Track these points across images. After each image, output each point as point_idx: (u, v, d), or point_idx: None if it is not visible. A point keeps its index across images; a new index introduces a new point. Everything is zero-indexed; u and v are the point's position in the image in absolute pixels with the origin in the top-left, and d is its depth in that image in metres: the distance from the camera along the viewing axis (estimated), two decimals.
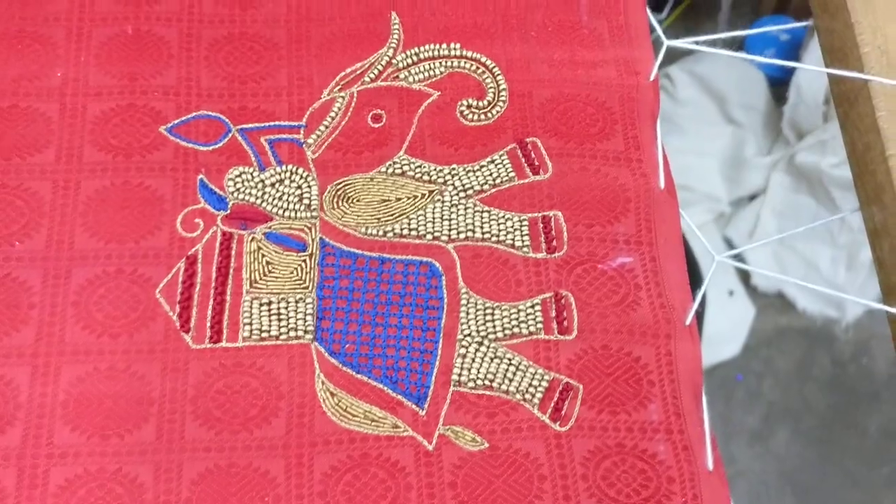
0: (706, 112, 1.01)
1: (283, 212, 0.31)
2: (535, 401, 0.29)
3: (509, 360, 0.29)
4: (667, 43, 0.34)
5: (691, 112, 1.02)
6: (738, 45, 1.06)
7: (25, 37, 0.33)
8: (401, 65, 0.33)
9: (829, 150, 0.92)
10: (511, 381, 0.29)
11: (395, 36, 0.34)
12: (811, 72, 0.93)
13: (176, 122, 0.32)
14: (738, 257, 0.94)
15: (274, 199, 0.31)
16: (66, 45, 0.33)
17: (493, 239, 0.31)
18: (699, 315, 0.75)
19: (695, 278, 0.76)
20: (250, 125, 0.32)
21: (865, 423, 0.88)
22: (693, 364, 0.30)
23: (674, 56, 1.07)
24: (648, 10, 0.35)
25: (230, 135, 0.32)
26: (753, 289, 0.96)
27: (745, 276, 0.96)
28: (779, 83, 1.03)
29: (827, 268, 0.94)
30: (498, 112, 0.33)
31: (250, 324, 0.29)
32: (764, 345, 0.93)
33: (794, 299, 0.95)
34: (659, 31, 0.34)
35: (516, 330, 0.29)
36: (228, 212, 0.31)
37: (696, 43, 0.35)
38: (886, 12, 0.33)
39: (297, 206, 0.31)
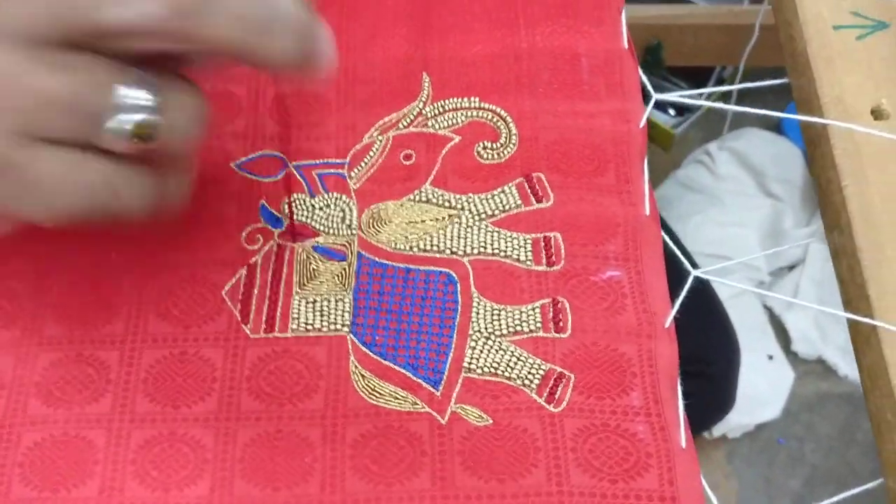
0: (745, 186, 1.06)
1: (328, 230, 0.38)
2: (533, 386, 0.34)
3: (512, 352, 0.34)
4: (655, 96, 0.40)
5: (730, 186, 1.07)
6: (775, 125, 1.11)
7: None
8: (429, 115, 0.40)
9: None
10: (513, 369, 0.34)
11: (425, 91, 0.41)
12: None
13: (243, 159, 0.39)
14: (776, 321, 0.97)
15: (321, 220, 0.38)
16: None
17: (502, 254, 0.37)
18: (734, 375, 0.78)
19: (729, 339, 0.80)
20: (304, 162, 0.39)
21: None
22: (671, 360, 0.34)
23: (713, 134, 1.13)
24: (640, 70, 0.41)
25: (287, 169, 0.39)
26: (794, 354, 0.98)
27: (784, 342, 0.99)
28: None
29: None
30: (509, 152, 0.39)
31: (298, 318, 0.35)
32: (805, 409, 0.95)
33: (835, 365, 0.97)
34: (648, 86, 0.40)
35: (519, 328, 0.35)
36: (283, 229, 0.37)
37: (682, 96, 0.40)
38: (843, 68, 0.39)
39: (339, 226, 0.38)
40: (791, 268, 1.03)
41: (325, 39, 0.28)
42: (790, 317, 0.99)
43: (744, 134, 1.09)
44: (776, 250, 1.01)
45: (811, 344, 0.96)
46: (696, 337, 0.76)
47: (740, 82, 1.15)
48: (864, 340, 0.35)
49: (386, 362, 0.35)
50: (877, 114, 0.39)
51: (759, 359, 0.95)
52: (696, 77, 1.13)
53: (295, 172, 0.39)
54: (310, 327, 0.35)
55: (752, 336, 0.92)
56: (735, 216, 1.03)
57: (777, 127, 1.11)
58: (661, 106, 1.17)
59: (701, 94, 0.36)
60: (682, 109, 1.18)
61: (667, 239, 0.37)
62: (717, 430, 0.90)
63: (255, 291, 0.36)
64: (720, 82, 1.13)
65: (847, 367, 0.96)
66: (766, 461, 0.91)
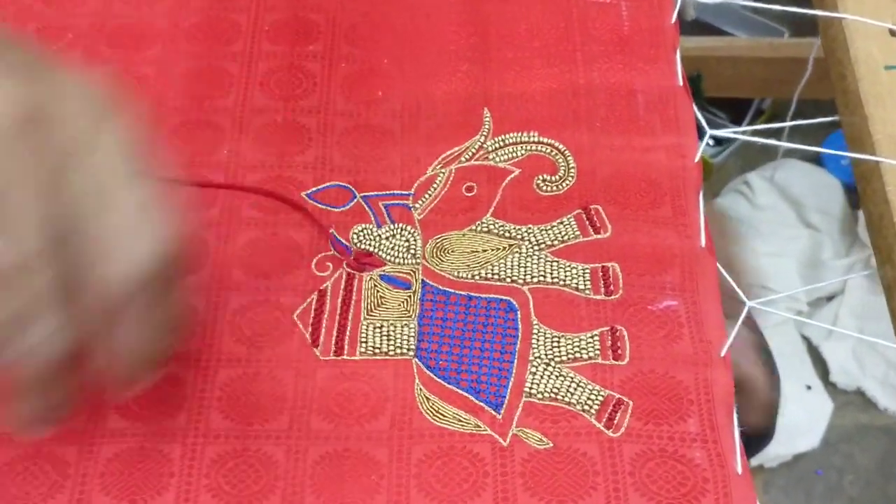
0: (784, 216, 1.07)
1: (395, 259, 0.39)
2: (593, 412, 0.35)
3: (571, 378, 0.36)
4: (710, 132, 0.41)
5: (770, 216, 1.07)
6: (814, 156, 1.12)
7: (200, 123, 0.43)
8: (490, 148, 0.42)
9: None
10: (573, 394, 0.35)
11: (486, 126, 0.42)
12: None
13: (313, 189, 0.41)
14: (814, 351, 0.97)
15: (388, 249, 0.39)
16: (231, 129, 0.43)
17: (561, 283, 0.38)
18: (775, 406, 0.78)
19: (773, 372, 0.80)
20: (371, 193, 0.41)
21: None
22: (726, 388, 0.35)
23: (752, 164, 1.14)
24: (695, 106, 0.42)
25: (355, 200, 0.41)
26: (832, 385, 0.98)
27: (823, 373, 0.99)
28: (854, 189, 1.07)
29: None
30: (567, 185, 0.41)
31: (366, 342, 0.37)
32: (844, 441, 0.94)
33: (874, 397, 0.97)
34: (703, 122, 0.41)
35: (578, 355, 0.36)
36: (353, 257, 0.39)
37: (736, 133, 0.42)
38: (893, 105, 0.40)
39: (405, 255, 0.39)
40: (829, 298, 1.03)
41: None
42: (828, 347, 0.99)
43: (783, 164, 1.10)
44: (816, 286, 1.01)
45: (850, 375, 0.96)
46: (737, 366, 0.76)
47: (778, 114, 1.16)
48: None
49: (449, 386, 0.36)
50: None
51: (798, 389, 0.95)
52: (734, 108, 1.14)
53: (363, 203, 0.41)
54: (377, 351, 0.37)
55: (790, 366, 0.92)
56: (773, 246, 1.03)
57: (816, 158, 1.11)
58: (700, 136, 1.18)
59: (752, 131, 0.38)
60: (721, 140, 1.19)
61: (721, 270, 0.38)
62: (754, 459, 0.90)
63: (325, 316, 0.38)
64: (758, 113, 1.14)
65: (887, 399, 0.95)
66: (803, 492, 0.91)
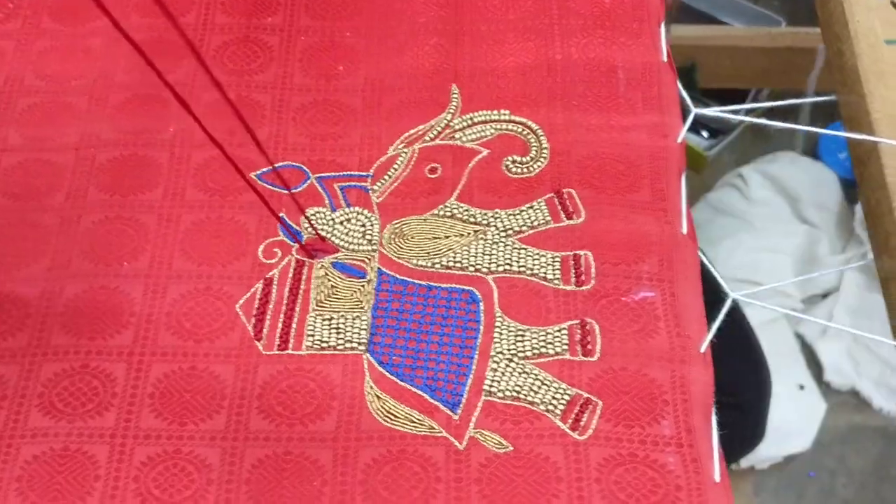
0: (779, 211, 1.03)
1: (349, 245, 0.36)
2: (558, 412, 0.32)
3: (535, 375, 0.33)
4: (694, 111, 0.38)
5: (764, 211, 1.04)
6: (811, 151, 1.09)
7: (149, 97, 0.40)
8: (457, 127, 0.39)
9: None
10: (536, 393, 0.32)
11: (454, 103, 0.39)
12: None
13: (265, 169, 0.38)
14: (808, 350, 0.94)
15: (341, 235, 0.36)
16: (178, 106, 0.39)
17: (528, 272, 0.35)
18: (765, 405, 0.75)
19: (760, 367, 0.77)
20: (327, 174, 0.38)
21: None
22: (705, 387, 0.32)
23: (747, 157, 1.11)
24: (679, 83, 0.39)
25: (309, 181, 0.38)
26: (826, 385, 0.95)
27: (816, 372, 0.96)
28: (851, 184, 1.04)
29: None
30: (539, 167, 0.37)
31: (313, 335, 0.34)
32: (837, 442, 0.91)
33: (869, 397, 0.94)
34: (688, 100, 0.38)
35: (544, 350, 0.33)
36: (303, 243, 0.36)
37: (723, 111, 0.39)
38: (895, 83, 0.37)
39: (360, 241, 0.36)
40: (825, 295, 1.00)
41: None
42: (823, 346, 0.95)
43: (778, 158, 1.06)
44: (809, 276, 0.98)
45: (844, 375, 0.93)
46: (726, 365, 0.73)
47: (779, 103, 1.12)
48: None
49: (403, 383, 0.33)
50: None
51: (790, 388, 0.91)
52: (730, 100, 1.10)
53: (317, 184, 0.38)
54: (325, 345, 0.34)
55: (783, 365, 0.89)
56: (768, 241, 1.00)
57: (812, 153, 1.08)
58: (694, 128, 1.15)
59: (740, 111, 0.35)
60: (715, 131, 1.16)
61: (704, 259, 0.35)
62: (745, 460, 0.87)
63: (271, 307, 0.35)
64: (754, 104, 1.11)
65: (882, 399, 0.92)
66: (795, 494, 0.88)
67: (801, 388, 0.94)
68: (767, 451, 0.89)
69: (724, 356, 0.76)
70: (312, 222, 0.36)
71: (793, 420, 0.90)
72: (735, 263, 0.99)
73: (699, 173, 1.13)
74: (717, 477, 0.31)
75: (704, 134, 1.15)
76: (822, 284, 1.01)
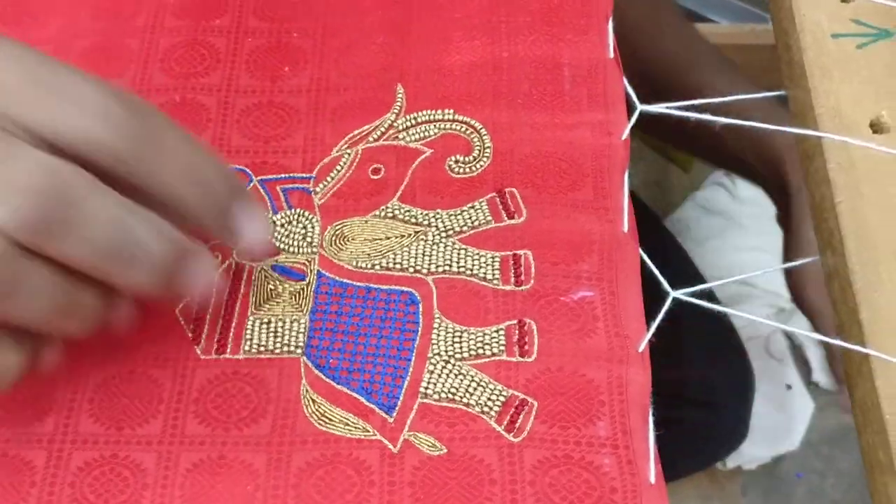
0: (767, 210, 1.02)
1: (289, 247, 0.36)
2: (493, 413, 0.32)
3: (472, 376, 0.32)
4: (640, 108, 0.38)
5: (752, 210, 1.03)
6: None
7: None
8: (400, 127, 0.38)
9: None
10: (472, 395, 0.32)
11: (399, 103, 0.39)
12: None
13: None
14: (797, 349, 0.93)
15: (282, 237, 0.36)
16: None
17: (468, 272, 0.35)
18: (747, 404, 0.75)
19: (741, 366, 0.76)
20: (269, 176, 0.38)
21: None
22: (643, 388, 0.32)
23: None
24: (625, 80, 0.39)
25: (252, 184, 0.38)
26: (815, 385, 0.94)
27: (805, 372, 0.95)
28: None
29: None
30: (482, 166, 0.37)
31: (251, 339, 0.34)
32: (826, 442, 0.91)
33: None
34: (634, 97, 0.38)
35: (481, 351, 0.33)
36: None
37: (669, 108, 0.38)
38: (841, 78, 0.37)
39: (301, 243, 0.36)
40: None
41: (256, 213, 0.31)
42: (811, 345, 0.95)
43: None
44: (788, 266, 0.97)
45: (832, 375, 0.92)
46: (704, 363, 0.73)
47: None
48: (856, 370, 0.33)
49: (339, 386, 0.33)
50: (876, 127, 0.36)
51: (777, 388, 0.91)
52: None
53: (259, 187, 0.37)
54: (262, 349, 0.33)
55: (770, 364, 0.88)
56: (755, 241, 0.99)
57: None
58: None
59: (691, 107, 0.34)
60: None
61: (645, 258, 0.35)
62: (731, 461, 0.86)
63: (210, 311, 0.34)
64: None
65: None
66: (783, 495, 0.87)
67: (789, 387, 0.93)
68: (754, 452, 0.88)
69: (703, 356, 0.76)
70: None
71: (780, 420, 0.89)
72: (723, 263, 0.98)
73: (687, 172, 1.12)
74: (652, 478, 0.30)
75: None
76: None
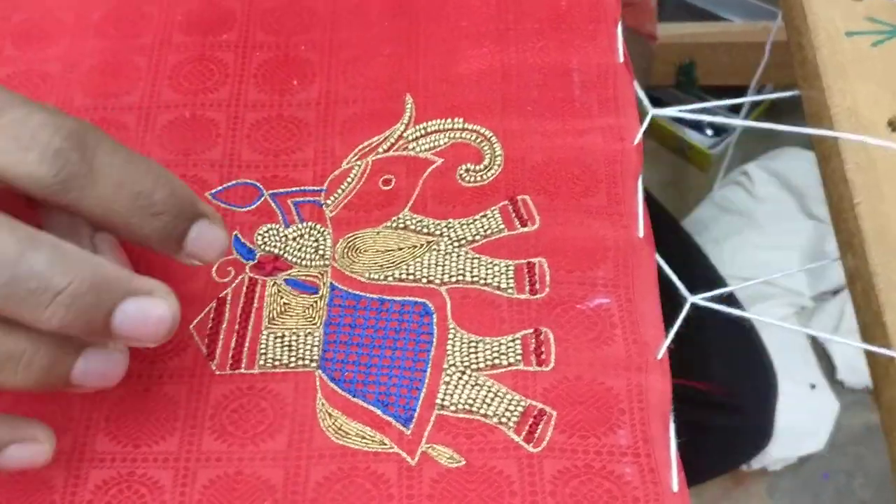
0: (785, 207, 1.02)
1: (301, 261, 0.36)
2: (511, 424, 0.31)
3: (489, 387, 0.32)
4: (651, 112, 0.37)
5: (770, 208, 1.02)
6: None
7: (105, 122, 0.40)
8: (410, 137, 0.38)
9: None
10: (489, 405, 0.32)
11: (408, 114, 0.39)
12: None
13: (219, 188, 0.38)
14: (820, 347, 0.92)
15: (294, 251, 0.36)
16: (136, 128, 0.40)
17: (482, 282, 0.34)
18: (770, 407, 0.74)
19: (764, 368, 0.76)
20: (280, 190, 0.38)
21: None
22: (663, 395, 0.31)
23: (752, 154, 1.09)
24: (636, 83, 0.38)
25: (263, 198, 0.37)
26: (840, 384, 0.93)
27: (829, 371, 0.94)
28: None
29: None
30: (493, 175, 0.37)
31: (265, 353, 0.34)
32: (853, 442, 0.89)
33: None
34: (645, 101, 0.38)
35: (497, 361, 0.33)
36: (256, 261, 0.36)
37: (681, 111, 0.38)
38: (856, 77, 0.36)
39: (313, 256, 0.36)
40: (836, 292, 0.98)
41: (212, 221, 0.30)
42: (835, 344, 0.93)
43: (783, 153, 1.05)
44: (809, 267, 0.96)
45: (858, 373, 0.91)
46: (728, 367, 0.72)
47: (779, 101, 1.11)
48: (882, 373, 0.32)
49: (355, 399, 0.32)
50: (894, 125, 0.36)
51: (801, 388, 0.90)
52: (731, 97, 1.09)
53: (270, 201, 0.37)
54: (277, 363, 0.33)
55: (793, 363, 0.87)
56: (774, 239, 0.98)
57: None
58: (698, 126, 1.14)
59: (706, 109, 0.34)
60: (719, 129, 1.15)
61: (662, 263, 0.34)
62: (756, 462, 0.85)
63: (224, 326, 0.34)
64: (756, 102, 1.09)
65: None
66: (811, 496, 0.86)
67: (813, 387, 0.92)
68: (779, 453, 0.87)
69: (725, 358, 0.75)
70: (266, 239, 0.36)
71: (804, 420, 0.88)
72: (741, 262, 0.97)
73: (704, 171, 1.12)
74: (675, 487, 0.30)
75: (709, 132, 1.14)
76: (833, 281, 0.99)
